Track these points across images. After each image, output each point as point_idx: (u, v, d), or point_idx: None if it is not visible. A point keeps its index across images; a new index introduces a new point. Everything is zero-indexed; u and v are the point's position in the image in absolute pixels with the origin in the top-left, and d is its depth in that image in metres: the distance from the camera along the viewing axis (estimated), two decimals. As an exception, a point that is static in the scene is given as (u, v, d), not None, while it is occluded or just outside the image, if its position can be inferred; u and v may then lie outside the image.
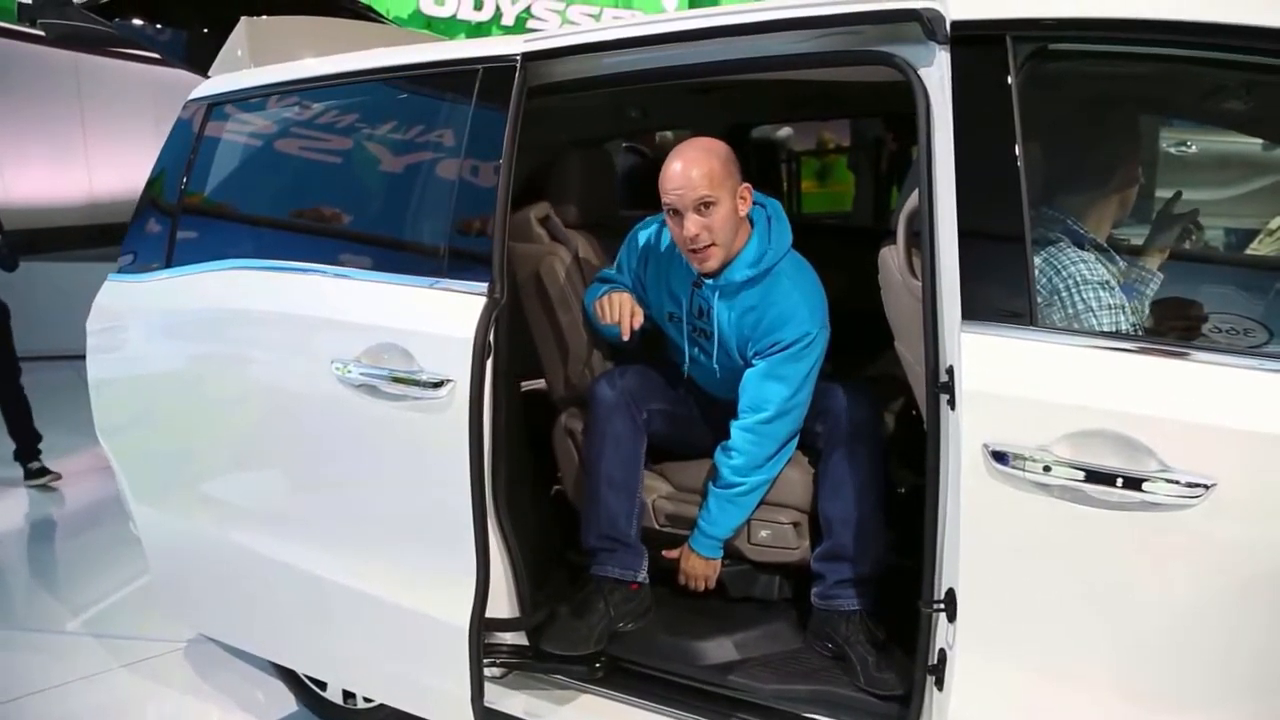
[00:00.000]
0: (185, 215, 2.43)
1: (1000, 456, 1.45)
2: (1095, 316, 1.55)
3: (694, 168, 1.97)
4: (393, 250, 2.08)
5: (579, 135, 3.38)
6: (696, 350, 2.22)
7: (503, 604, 2.04)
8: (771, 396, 2.05)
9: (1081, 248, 1.64)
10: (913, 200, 1.70)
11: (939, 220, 1.55)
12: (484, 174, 1.94)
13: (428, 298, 1.94)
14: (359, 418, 1.99)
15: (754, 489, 2.11)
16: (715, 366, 2.17)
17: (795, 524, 2.17)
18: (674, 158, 2.01)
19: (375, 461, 2.04)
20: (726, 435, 2.12)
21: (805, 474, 2.15)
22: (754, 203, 2.08)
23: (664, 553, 2.24)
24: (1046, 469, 1.42)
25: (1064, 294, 1.58)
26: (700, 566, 2.18)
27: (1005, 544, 1.51)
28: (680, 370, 2.28)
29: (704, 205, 1.97)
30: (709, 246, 2.00)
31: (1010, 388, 1.46)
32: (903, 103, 1.63)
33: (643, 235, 2.28)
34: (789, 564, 2.20)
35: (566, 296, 2.37)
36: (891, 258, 1.86)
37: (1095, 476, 1.39)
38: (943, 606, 1.60)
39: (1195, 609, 1.40)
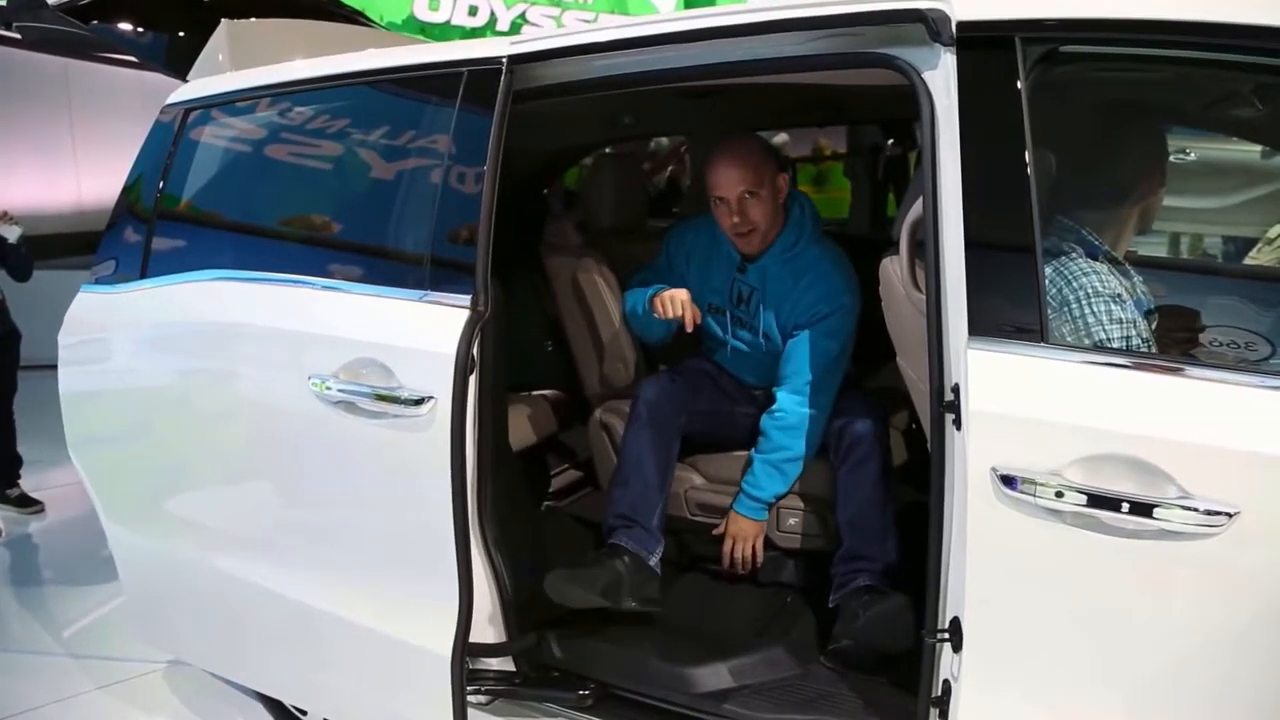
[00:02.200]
0: (161, 225, 2.35)
1: (1009, 481, 1.38)
2: (1105, 330, 1.48)
3: (738, 162, 2.22)
4: (373, 261, 2.00)
5: (568, 142, 3.32)
6: (735, 338, 2.40)
7: (488, 628, 1.96)
8: (815, 362, 2.23)
9: (1095, 259, 1.57)
10: (916, 209, 1.63)
11: (944, 231, 1.48)
12: (468, 181, 1.86)
13: (409, 311, 1.87)
14: (338, 436, 1.91)
15: (795, 458, 2.24)
16: (751, 350, 2.37)
17: (819, 513, 2.28)
18: (720, 153, 2.26)
19: (355, 482, 1.96)
20: (757, 433, 2.27)
21: (829, 467, 2.23)
22: (789, 194, 2.30)
23: (713, 532, 2.35)
24: (1058, 494, 1.34)
25: (1074, 305, 1.51)
26: (747, 527, 2.29)
27: (1014, 572, 1.44)
28: (716, 360, 2.48)
29: (747, 194, 2.22)
30: (751, 231, 2.25)
31: (1020, 408, 1.39)
32: (905, 108, 1.56)
33: (684, 233, 2.49)
34: (816, 550, 2.29)
35: (603, 296, 2.54)
36: (893, 269, 1.78)
37: (1110, 503, 1.31)
38: (947, 636, 1.52)
39: (1215, 643, 1.33)
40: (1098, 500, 1.32)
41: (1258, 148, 2.16)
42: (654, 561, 2.21)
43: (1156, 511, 1.28)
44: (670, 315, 2.27)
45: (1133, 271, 1.64)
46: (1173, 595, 1.34)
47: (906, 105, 1.56)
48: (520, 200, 3.48)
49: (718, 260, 2.39)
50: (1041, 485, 1.35)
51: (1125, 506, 1.30)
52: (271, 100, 2.25)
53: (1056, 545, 1.37)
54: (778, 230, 2.30)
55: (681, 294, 2.28)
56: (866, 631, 1.97)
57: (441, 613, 1.84)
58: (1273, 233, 2.20)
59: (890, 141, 5.81)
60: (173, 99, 2.46)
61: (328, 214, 2.14)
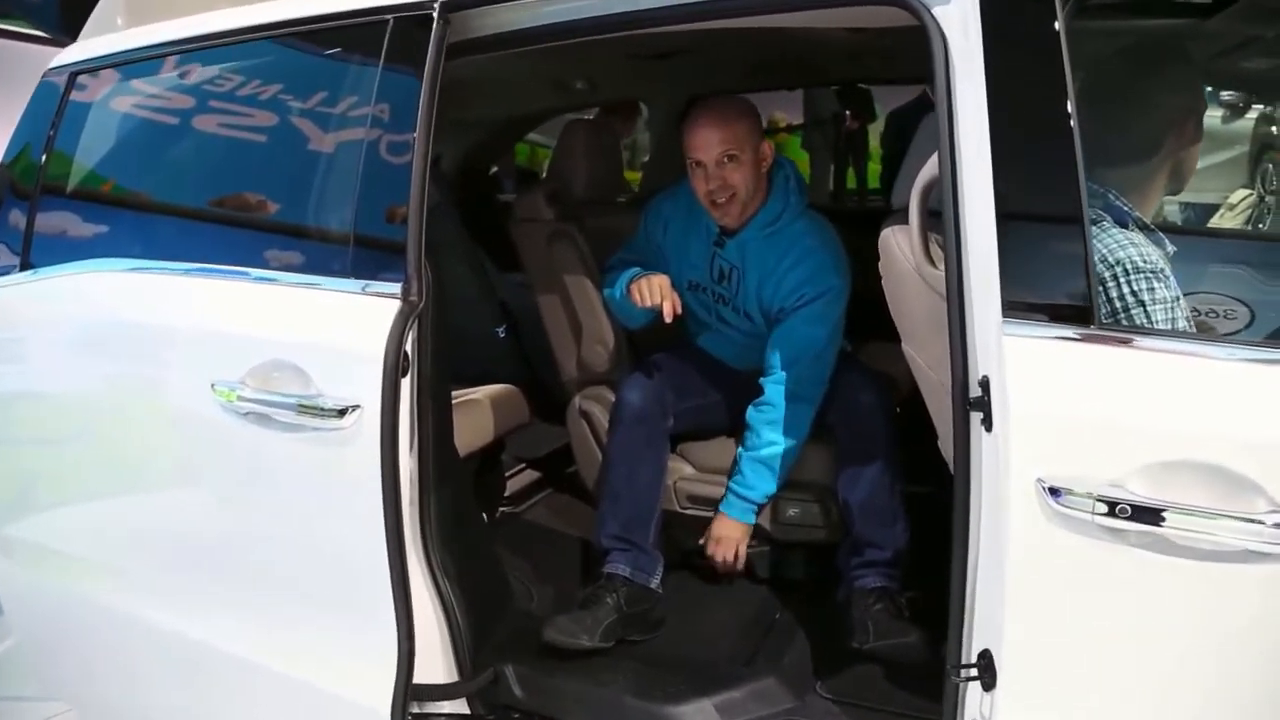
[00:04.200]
0: (44, 211, 2.03)
1: (1056, 493, 1.15)
2: (1147, 311, 1.27)
3: (719, 122, 2.05)
4: (287, 244, 1.72)
5: (514, 110, 3.06)
6: (716, 318, 2.27)
7: (437, 667, 1.71)
8: (801, 350, 2.08)
9: (1125, 227, 1.35)
10: (927, 171, 1.39)
11: (968, 196, 1.23)
12: (395, 150, 1.58)
13: (329, 302, 1.59)
14: (248, 454, 1.64)
15: (785, 452, 2.08)
16: (735, 331, 2.23)
17: (821, 502, 2.14)
18: (699, 112, 2.09)
19: (271, 508, 1.69)
20: (745, 417, 2.13)
21: (829, 453, 2.11)
22: (774, 162, 2.13)
23: (700, 542, 2.18)
24: (1119, 509, 1.11)
25: (1109, 283, 1.30)
26: (733, 529, 2.13)
27: (1063, 601, 1.21)
28: (697, 343, 2.33)
29: (726, 158, 2.04)
30: (729, 200, 2.07)
31: (1070, 406, 1.16)
32: (898, 63, 1.32)
33: (663, 203, 2.33)
34: (816, 543, 2.17)
35: (579, 274, 2.38)
36: (898, 242, 1.54)
37: (1183, 519, 1.09)
38: (976, 674, 1.29)
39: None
40: (1167, 516, 1.09)
41: (1219, 112, 2.03)
42: (655, 584, 2.06)
43: (1239, 528, 1.06)
44: (649, 303, 2.07)
45: (1166, 240, 1.42)
46: (1255, 628, 1.12)
47: (900, 60, 1.32)
48: (463, 176, 3.21)
49: (695, 233, 2.22)
50: (1098, 499, 1.12)
51: (1201, 523, 1.08)
52: (168, 60, 1.94)
53: (1116, 569, 1.15)
54: (759, 202, 2.12)
55: (661, 280, 2.09)
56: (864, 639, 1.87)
57: (379, 656, 1.58)
58: (1234, 198, 2.13)
59: (849, 113, 5.63)
60: (56, 62, 2.13)
61: (230, 191, 1.84)
